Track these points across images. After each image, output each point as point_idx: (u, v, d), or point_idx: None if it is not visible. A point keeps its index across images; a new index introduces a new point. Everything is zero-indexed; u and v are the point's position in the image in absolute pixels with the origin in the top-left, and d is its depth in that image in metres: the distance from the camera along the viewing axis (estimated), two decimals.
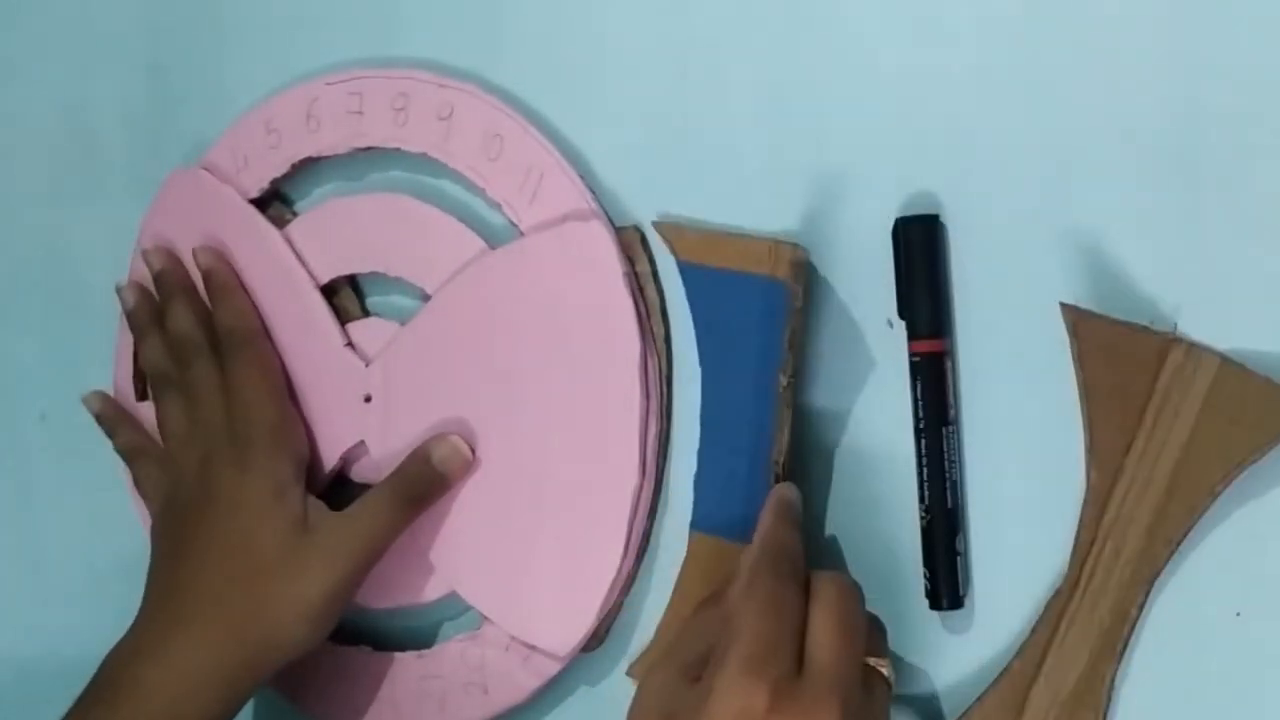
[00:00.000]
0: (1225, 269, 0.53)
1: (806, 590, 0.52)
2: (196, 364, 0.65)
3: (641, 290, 0.61)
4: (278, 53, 0.69)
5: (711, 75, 0.61)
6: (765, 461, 0.58)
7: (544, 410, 0.62)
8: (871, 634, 0.53)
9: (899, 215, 0.57)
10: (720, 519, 0.59)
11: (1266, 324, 0.53)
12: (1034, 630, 0.55)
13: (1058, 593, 0.54)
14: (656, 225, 0.61)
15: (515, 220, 0.63)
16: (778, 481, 0.57)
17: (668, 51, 0.62)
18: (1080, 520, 0.54)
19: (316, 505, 0.63)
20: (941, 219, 0.57)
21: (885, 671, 0.52)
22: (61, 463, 0.69)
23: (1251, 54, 0.53)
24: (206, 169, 0.69)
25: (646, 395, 0.60)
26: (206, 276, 0.67)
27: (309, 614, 0.61)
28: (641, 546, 0.61)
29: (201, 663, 0.60)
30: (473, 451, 0.63)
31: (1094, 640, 0.54)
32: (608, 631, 0.62)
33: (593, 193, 0.62)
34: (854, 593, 0.52)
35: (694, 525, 0.60)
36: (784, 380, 0.57)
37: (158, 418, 0.66)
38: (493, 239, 0.64)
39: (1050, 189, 0.56)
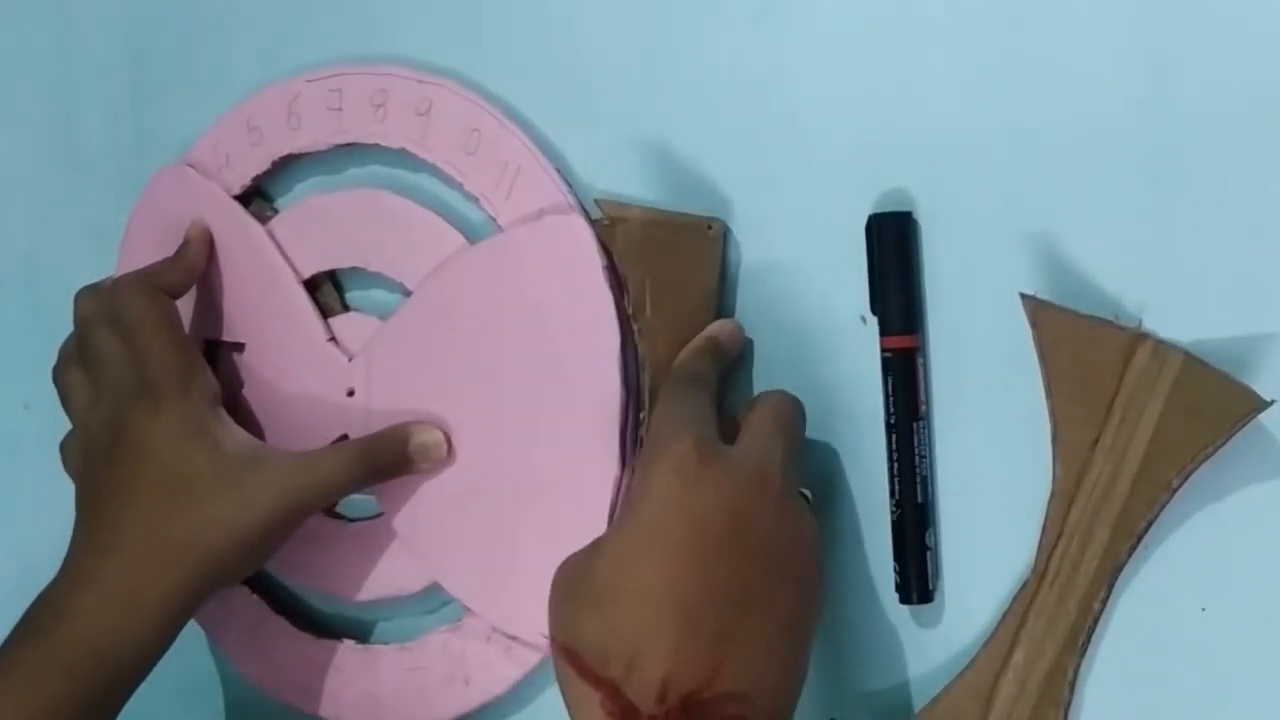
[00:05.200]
0: (1190, 266, 0.54)
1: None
2: (95, 333, 0.64)
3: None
4: (261, 48, 0.69)
5: (687, 73, 0.61)
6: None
7: (525, 403, 0.62)
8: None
9: (872, 212, 0.58)
10: None
11: (1228, 320, 0.53)
12: (1001, 622, 0.55)
13: (1025, 585, 0.55)
14: (599, 201, 0.61)
15: (493, 214, 0.63)
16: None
17: (643, 49, 0.62)
18: (1047, 514, 0.54)
19: (251, 439, 0.63)
20: (914, 216, 0.58)
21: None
22: (46, 451, 0.69)
23: (1218, 54, 0.53)
24: (190, 165, 0.69)
25: (626, 387, 0.61)
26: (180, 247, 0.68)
27: (246, 541, 0.60)
28: None
29: (132, 586, 0.60)
30: (449, 447, 0.63)
31: (1060, 633, 0.54)
32: None
33: (569, 186, 0.62)
34: (792, 401, 0.57)
35: None
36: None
37: (62, 400, 0.66)
38: (471, 234, 0.64)
39: (1021, 187, 0.56)
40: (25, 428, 0.75)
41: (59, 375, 0.66)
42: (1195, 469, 0.52)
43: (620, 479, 0.61)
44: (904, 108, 0.58)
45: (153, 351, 0.63)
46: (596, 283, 0.61)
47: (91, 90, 0.73)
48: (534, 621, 0.61)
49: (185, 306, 0.67)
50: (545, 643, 0.61)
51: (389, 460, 0.63)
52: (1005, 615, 0.55)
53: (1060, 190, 0.56)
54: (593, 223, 0.61)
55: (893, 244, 0.57)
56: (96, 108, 0.73)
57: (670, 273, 0.60)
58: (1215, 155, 0.54)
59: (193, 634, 0.69)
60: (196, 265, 0.67)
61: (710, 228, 0.60)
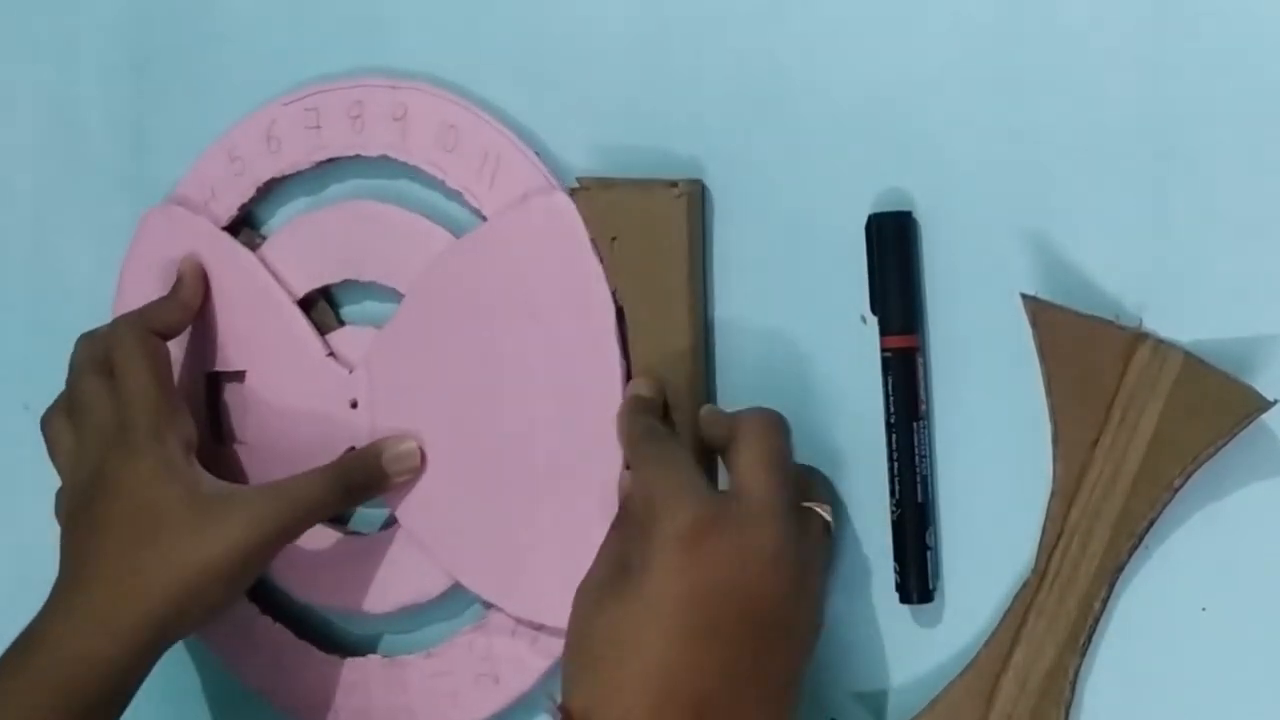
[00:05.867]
0: (1190, 266, 0.54)
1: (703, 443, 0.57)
2: (82, 380, 0.65)
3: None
4: (262, 48, 0.70)
5: (685, 72, 0.61)
6: None
7: (528, 386, 0.62)
8: (807, 478, 0.57)
9: (872, 212, 0.58)
10: None
11: (1228, 320, 0.53)
12: (1002, 622, 0.55)
13: (1025, 585, 0.55)
14: (581, 180, 0.61)
15: (477, 206, 0.64)
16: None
17: (642, 49, 0.62)
18: (1047, 513, 0.54)
19: (222, 482, 0.64)
20: (914, 216, 0.58)
21: (823, 514, 0.56)
22: (44, 452, 0.69)
23: (1218, 54, 0.53)
24: (178, 204, 0.70)
25: (626, 356, 0.61)
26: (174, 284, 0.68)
27: (219, 570, 0.61)
28: None
29: (103, 614, 0.61)
30: (423, 457, 0.64)
31: (1060, 633, 0.54)
32: None
33: (550, 168, 0.63)
34: (776, 427, 0.55)
35: None
36: None
37: (48, 451, 0.67)
38: (457, 231, 0.64)
39: (1021, 187, 0.56)
40: (25, 428, 0.75)
41: (45, 426, 0.67)
42: (1196, 469, 0.52)
43: None
44: (904, 108, 0.58)
45: (134, 395, 0.63)
46: (585, 256, 0.61)
47: (92, 91, 0.74)
48: (558, 606, 0.61)
49: (184, 342, 0.68)
50: None
51: (364, 477, 0.63)
52: (1006, 615, 0.55)
53: (1060, 190, 0.56)
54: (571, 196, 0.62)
55: (893, 244, 0.57)
56: (97, 108, 0.73)
57: (637, 236, 0.60)
58: (1215, 155, 0.54)
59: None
60: (191, 301, 0.68)
61: (674, 186, 0.60)
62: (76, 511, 0.64)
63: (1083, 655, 0.54)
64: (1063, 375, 0.54)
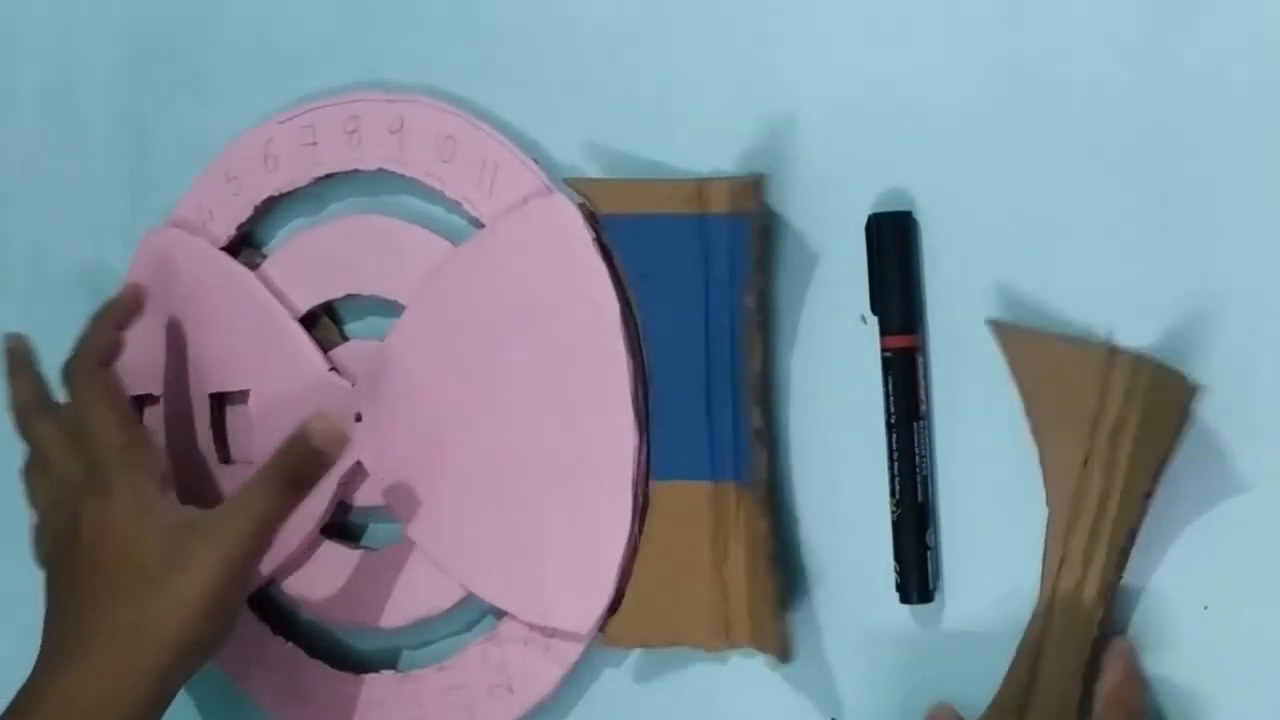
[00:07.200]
0: (1190, 266, 0.54)
1: None
2: (32, 429, 0.65)
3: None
4: (263, 47, 0.70)
5: (685, 72, 0.61)
6: (732, 393, 0.59)
7: (534, 390, 0.62)
8: None
9: (872, 212, 0.58)
10: (680, 463, 0.60)
11: (1225, 320, 0.54)
12: (1016, 658, 0.55)
13: (1035, 616, 0.54)
14: (570, 181, 0.61)
15: (477, 215, 0.63)
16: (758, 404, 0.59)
17: (641, 49, 0.62)
18: (1046, 538, 0.54)
19: (190, 510, 0.63)
20: (914, 216, 0.58)
21: None
22: None
23: (1219, 54, 0.53)
24: (176, 226, 0.69)
25: (631, 354, 0.61)
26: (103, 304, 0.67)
27: (200, 608, 0.60)
28: (643, 506, 0.61)
29: (103, 682, 0.60)
30: (359, 417, 0.64)
31: (1071, 661, 0.54)
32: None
33: (548, 172, 0.62)
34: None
35: (653, 476, 0.61)
36: (750, 302, 0.59)
37: (29, 499, 0.66)
38: (459, 242, 0.64)
39: (1021, 186, 0.56)
40: None
41: (24, 478, 0.66)
42: (1163, 470, 0.53)
43: (639, 447, 0.60)
44: (904, 108, 0.57)
45: (96, 435, 0.63)
46: (588, 255, 0.61)
47: (93, 91, 0.73)
48: (572, 609, 0.61)
49: (186, 364, 0.68)
50: (585, 631, 0.61)
51: (300, 463, 0.61)
52: (1019, 650, 0.55)
53: (1060, 190, 0.56)
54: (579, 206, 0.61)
55: (893, 243, 0.57)
56: (98, 108, 0.73)
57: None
58: (1215, 155, 0.53)
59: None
60: (124, 316, 0.66)
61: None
62: (60, 558, 0.63)
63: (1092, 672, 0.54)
64: (1040, 397, 0.54)
